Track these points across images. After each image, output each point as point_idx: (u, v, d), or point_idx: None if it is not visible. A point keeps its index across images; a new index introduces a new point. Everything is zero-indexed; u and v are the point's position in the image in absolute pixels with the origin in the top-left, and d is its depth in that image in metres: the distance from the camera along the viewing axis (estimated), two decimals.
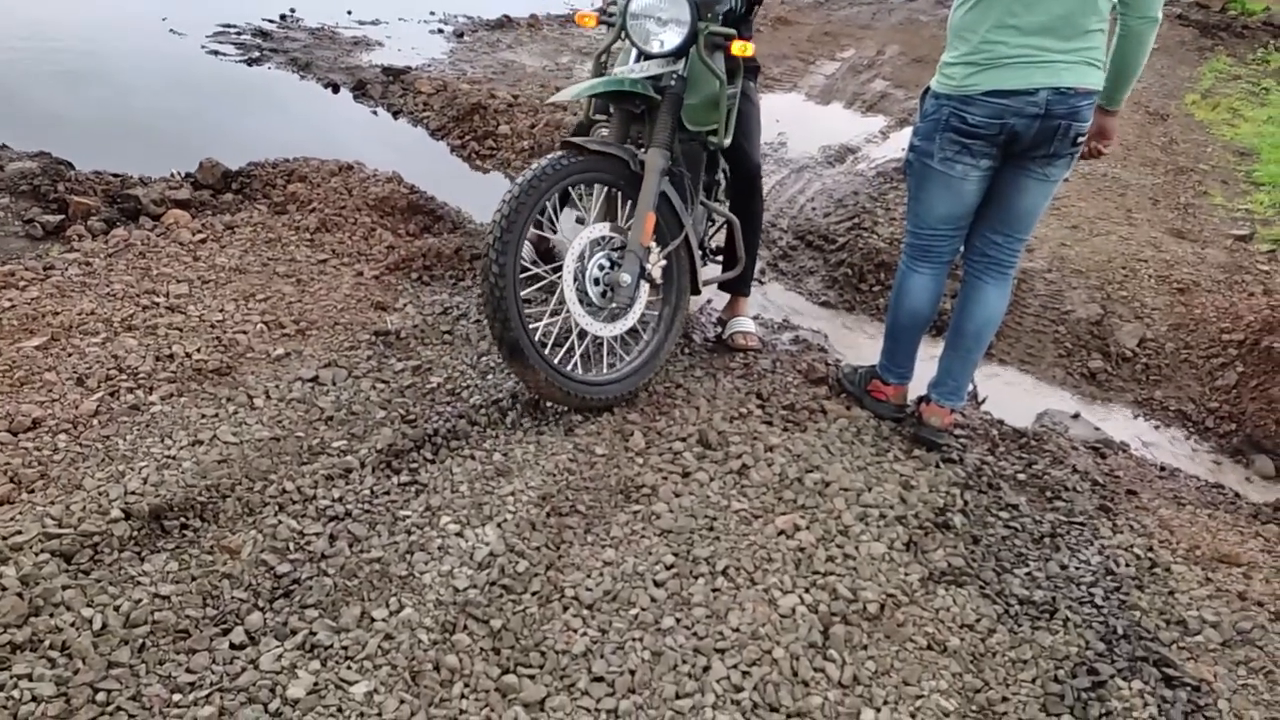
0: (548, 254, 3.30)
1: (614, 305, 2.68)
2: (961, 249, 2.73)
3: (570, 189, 2.73)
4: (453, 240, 3.73)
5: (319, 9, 7.58)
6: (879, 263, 4.01)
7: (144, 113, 5.11)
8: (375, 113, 5.68)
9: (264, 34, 6.83)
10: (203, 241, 3.51)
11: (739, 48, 2.67)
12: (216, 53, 6.32)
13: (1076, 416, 3.30)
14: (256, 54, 6.35)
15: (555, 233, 3.06)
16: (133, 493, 2.18)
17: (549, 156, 2.56)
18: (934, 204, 2.59)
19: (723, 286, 3.36)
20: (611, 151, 2.63)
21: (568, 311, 2.62)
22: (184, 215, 3.65)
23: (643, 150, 2.69)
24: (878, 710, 1.88)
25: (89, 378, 2.61)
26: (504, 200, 2.47)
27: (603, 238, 2.67)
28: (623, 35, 2.73)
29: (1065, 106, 2.31)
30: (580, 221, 2.96)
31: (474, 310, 3.25)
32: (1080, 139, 2.39)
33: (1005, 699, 1.96)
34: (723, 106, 2.77)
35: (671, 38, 2.64)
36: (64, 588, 1.90)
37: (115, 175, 3.90)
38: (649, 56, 2.71)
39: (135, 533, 2.07)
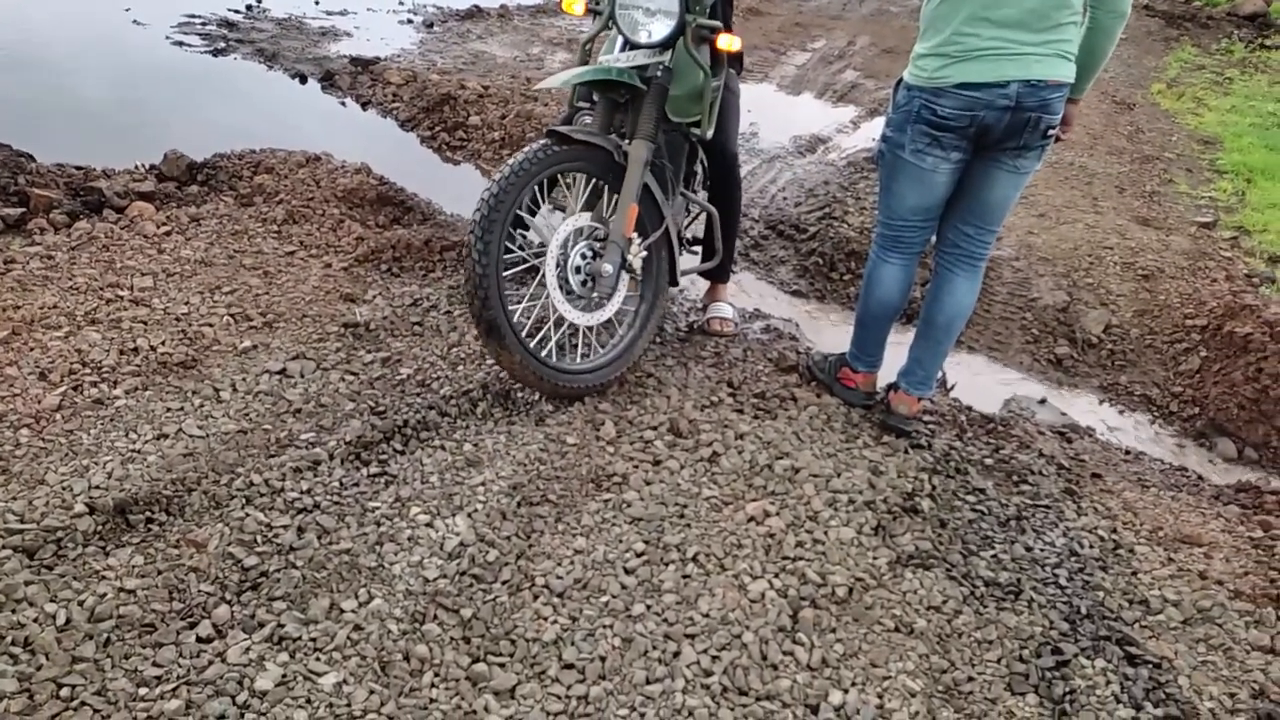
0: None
1: (595, 295, 2.68)
2: (932, 239, 2.75)
3: (559, 176, 2.73)
4: (423, 232, 3.70)
5: None
6: (849, 252, 4.04)
7: (107, 104, 5.02)
8: (344, 104, 5.62)
9: (230, 24, 6.74)
10: (168, 234, 3.47)
11: (725, 42, 2.67)
12: (181, 43, 6.22)
13: (1043, 402, 3.34)
14: (222, 45, 6.26)
15: (535, 215, 3.05)
16: (97, 487, 2.16)
17: (537, 143, 2.56)
18: (905, 195, 2.60)
19: (703, 274, 3.39)
20: (597, 142, 2.62)
21: (547, 297, 2.62)
22: (148, 207, 3.60)
23: (627, 141, 2.69)
24: (845, 692, 1.90)
25: (51, 372, 2.57)
26: (492, 181, 2.47)
27: (585, 228, 2.67)
28: (610, 24, 2.73)
29: (1036, 99, 2.32)
30: (560, 209, 2.95)
31: (444, 301, 3.23)
32: (1051, 131, 2.40)
33: (971, 679, 1.99)
34: (706, 98, 2.77)
35: (660, 29, 2.63)
36: (26, 583, 1.88)
37: (78, 168, 3.84)
38: (636, 46, 2.70)
39: (100, 527, 2.05)
